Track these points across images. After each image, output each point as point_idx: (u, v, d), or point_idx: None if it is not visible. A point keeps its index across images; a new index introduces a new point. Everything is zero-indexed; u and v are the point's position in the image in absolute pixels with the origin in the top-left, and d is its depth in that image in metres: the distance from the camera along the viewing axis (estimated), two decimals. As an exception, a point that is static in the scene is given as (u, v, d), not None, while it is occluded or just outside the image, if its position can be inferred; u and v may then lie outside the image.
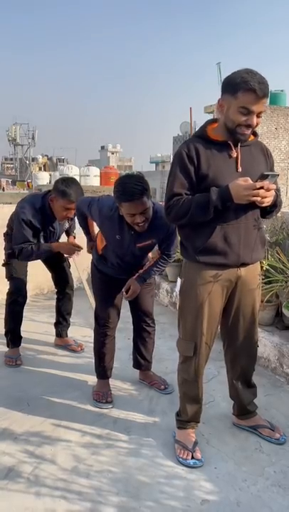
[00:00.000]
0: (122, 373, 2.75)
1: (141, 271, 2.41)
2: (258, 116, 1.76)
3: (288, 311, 2.84)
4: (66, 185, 2.67)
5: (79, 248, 3.04)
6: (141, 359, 2.61)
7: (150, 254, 2.55)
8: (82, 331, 3.53)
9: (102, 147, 52.99)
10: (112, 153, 50.73)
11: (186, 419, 2.05)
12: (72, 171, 21.51)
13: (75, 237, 3.31)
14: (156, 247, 2.40)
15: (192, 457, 1.95)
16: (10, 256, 2.95)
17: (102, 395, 2.45)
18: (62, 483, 1.84)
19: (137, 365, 2.64)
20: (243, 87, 1.68)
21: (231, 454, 2.02)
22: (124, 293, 2.40)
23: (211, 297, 1.87)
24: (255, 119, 1.74)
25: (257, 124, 1.78)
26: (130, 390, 2.62)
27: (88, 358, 2.95)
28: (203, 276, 1.86)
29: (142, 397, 2.54)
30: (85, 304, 3.92)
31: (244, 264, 1.87)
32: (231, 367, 2.11)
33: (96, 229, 2.52)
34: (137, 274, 2.40)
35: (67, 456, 2.02)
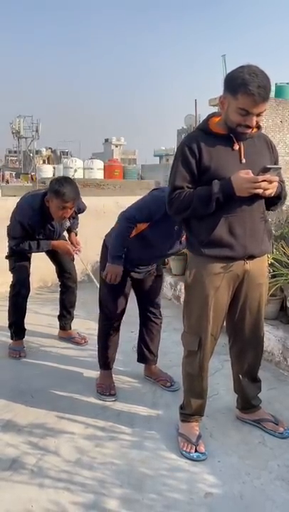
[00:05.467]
0: (125, 366, 2.75)
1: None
2: (259, 115, 1.74)
3: (293, 304, 2.82)
4: (60, 185, 2.65)
5: (77, 247, 3.03)
6: (147, 352, 2.60)
7: None
8: (86, 323, 3.52)
9: (106, 140, 52.80)
10: (116, 146, 50.55)
11: (189, 413, 2.04)
12: (76, 164, 21.43)
13: (76, 234, 3.28)
14: None
15: (195, 450, 1.95)
16: (12, 249, 2.96)
17: (106, 388, 2.45)
18: (66, 474, 1.85)
19: (142, 359, 2.63)
20: (242, 90, 1.66)
21: (235, 447, 2.02)
22: None
23: (218, 291, 1.86)
24: (254, 120, 1.73)
25: (257, 123, 1.77)
26: (133, 383, 2.62)
27: (92, 350, 2.94)
28: (209, 269, 1.85)
29: (145, 390, 2.54)
30: (89, 297, 3.90)
31: (251, 257, 1.85)
32: (237, 362, 2.10)
33: None
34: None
35: (71, 448, 2.02)
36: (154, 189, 2.37)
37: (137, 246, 2.29)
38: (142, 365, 2.68)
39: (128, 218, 2.24)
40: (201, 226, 1.84)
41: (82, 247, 3.23)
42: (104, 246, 2.47)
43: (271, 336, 2.81)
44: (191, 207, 1.78)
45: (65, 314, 3.29)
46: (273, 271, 2.92)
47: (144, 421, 2.23)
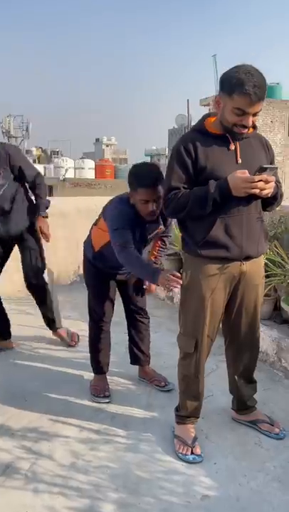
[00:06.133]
0: (119, 368, 2.73)
1: (152, 262, 2.52)
2: (255, 115, 1.73)
3: (287, 305, 2.82)
4: None
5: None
6: (139, 353, 2.58)
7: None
8: (78, 324, 3.49)
9: (97, 139, 52.64)
10: (107, 146, 50.41)
11: (185, 415, 2.03)
12: (67, 164, 21.35)
13: (46, 217, 2.93)
14: None
15: (192, 452, 1.93)
16: None
17: (100, 390, 2.43)
18: (61, 479, 1.82)
19: (135, 360, 2.61)
20: (237, 90, 1.65)
21: (231, 449, 2.01)
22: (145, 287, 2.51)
23: (214, 293, 1.84)
24: (250, 120, 1.72)
25: (253, 122, 1.76)
26: (128, 385, 2.59)
27: (85, 352, 2.90)
28: (205, 270, 1.83)
29: (140, 391, 2.52)
30: (81, 298, 3.87)
31: (248, 258, 1.84)
32: (233, 363, 2.09)
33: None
34: (155, 264, 2.50)
35: (65, 452, 1.99)
36: (109, 203, 2.30)
37: (109, 252, 2.25)
38: (136, 367, 2.66)
39: (121, 247, 2.08)
40: (197, 227, 1.82)
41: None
42: (84, 255, 2.48)
43: (265, 337, 2.80)
44: (187, 207, 1.77)
45: (46, 317, 3.15)
46: (267, 271, 2.91)
47: (139, 423, 2.21)
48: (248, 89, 1.63)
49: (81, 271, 4.29)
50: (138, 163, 2.24)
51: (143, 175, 2.08)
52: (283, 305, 2.86)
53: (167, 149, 23.13)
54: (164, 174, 1.95)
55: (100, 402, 2.37)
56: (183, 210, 1.79)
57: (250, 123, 1.73)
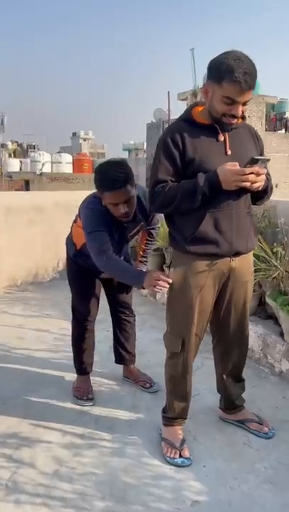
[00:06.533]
0: (102, 368, 2.64)
1: (139, 258, 2.47)
2: (244, 104, 1.66)
3: (272, 300, 2.78)
4: None
5: None
6: (124, 353, 2.50)
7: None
8: (59, 323, 3.38)
9: (74, 134, 51.98)
10: (84, 140, 49.84)
11: (173, 416, 1.96)
12: (44, 158, 21.00)
13: None
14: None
15: (180, 455, 1.87)
16: None
17: (83, 392, 2.33)
18: (44, 488, 1.72)
19: (119, 359, 2.53)
20: (227, 78, 1.56)
21: (219, 450, 1.95)
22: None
23: (203, 290, 1.77)
24: (240, 109, 1.64)
25: (243, 112, 1.68)
26: (112, 386, 2.51)
27: (66, 352, 2.80)
28: (194, 267, 1.76)
29: (124, 392, 2.44)
30: (61, 295, 3.76)
31: (238, 254, 1.78)
32: (221, 361, 2.03)
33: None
34: (138, 260, 2.48)
35: (48, 458, 1.90)
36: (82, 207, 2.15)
37: (87, 255, 2.11)
38: (120, 366, 2.58)
39: (98, 250, 1.94)
40: (185, 222, 1.75)
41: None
42: (66, 253, 2.37)
43: (251, 333, 2.74)
44: (175, 201, 1.69)
45: None
46: (252, 266, 2.87)
47: (125, 426, 2.13)
48: (238, 77, 1.55)
49: (61, 267, 4.17)
50: (103, 163, 2.02)
51: (109, 177, 1.90)
52: (268, 300, 2.82)
53: (145, 144, 22.98)
54: (150, 167, 1.86)
55: (83, 405, 2.28)
56: (170, 204, 1.71)
57: (240, 112, 1.66)
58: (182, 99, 20.82)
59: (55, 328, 3.29)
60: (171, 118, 19.96)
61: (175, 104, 20.06)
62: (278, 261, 2.72)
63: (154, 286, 1.76)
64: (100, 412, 2.24)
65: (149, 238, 2.44)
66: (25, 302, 3.96)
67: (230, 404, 2.09)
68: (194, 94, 19.14)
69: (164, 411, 2.01)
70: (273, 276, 2.78)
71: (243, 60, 1.58)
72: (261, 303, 3.02)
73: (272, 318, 2.87)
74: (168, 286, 1.78)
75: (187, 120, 1.76)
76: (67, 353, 2.72)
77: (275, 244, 2.82)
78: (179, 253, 1.81)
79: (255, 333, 2.75)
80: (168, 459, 1.87)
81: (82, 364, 2.39)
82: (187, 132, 1.71)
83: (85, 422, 2.16)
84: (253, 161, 1.61)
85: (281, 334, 2.68)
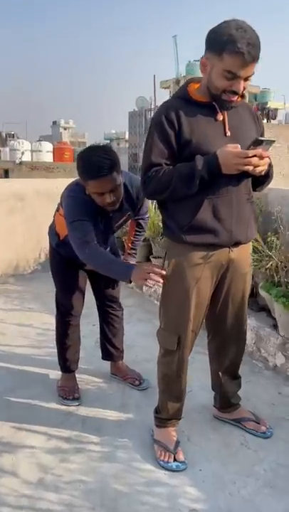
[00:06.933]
0: (88, 364, 2.49)
1: (128, 250, 2.34)
2: (246, 80, 1.51)
3: (265, 291, 2.68)
4: None
5: None
6: (111, 348, 2.36)
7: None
8: (41, 317, 3.21)
9: (54, 122, 51.10)
10: (65, 129, 49.08)
11: (166, 417, 1.83)
12: (23, 146, 20.54)
13: None
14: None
15: (174, 459, 1.75)
16: None
17: (69, 391, 2.19)
18: (27, 500, 1.58)
19: (107, 355, 2.39)
20: (229, 49, 1.41)
21: (216, 451, 1.84)
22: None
23: (200, 283, 1.64)
24: (241, 85, 1.49)
25: (244, 89, 1.53)
26: (99, 383, 2.37)
27: (50, 348, 2.65)
28: (190, 258, 1.62)
29: (112, 390, 2.30)
30: (43, 288, 3.59)
31: (237, 244, 1.65)
32: (216, 358, 1.91)
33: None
34: (127, 252, 2.35)
35: (32, 465, 1.75)
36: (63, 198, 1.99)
37: (71, 245, 1.95)
38: (107, 363, 2.44)
39: (81, 241, 1.80)
40: (181, 209, 1.60)
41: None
42: (49, 243, 2.21)
43: (243, 326, 2.66)
44: (170, 187, 1.54)
45: None
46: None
47: (114, 426, 2.00)
48: (241, 48, 1.41)
49: (43, 258, 3.99)
50: (85, 149, 1.85)
51: (93, 164, 1.74)
52: (261, 292, 2.71)
53: (127, 133, 22.69)
54: (142, 150, 1.70)
55: (68, 405, 2.14)
56: (165, 190, 1.56)
57: (242, 88, 1.51)
58: (165, 88, 20.62)
59: (38, 323, 3.13)
60: (154, 107, 19.77)
61: (158, 92, 19.76)
62: (273, 251, 2.61)
63: (146, 281, 1.61)
64: (87, 413, 2.10)
65: (138, 229, 2.30)
66: (6, 295, 3.78)
67: (226, 402, 1.98)
68: (177, 82, 18.94)
69: (156, 411, 1.88)
70: (266, 266, 2.68)
71: (246, 30, 1.43)
72: (253, 294, 2.91)
73: (265, 310, 2.77)
74: (161, 280, 1.63)
75: (183, 97, 1.61)
76: (51, 349, 2.56)
77: (268, 233, 2.71)
78: (174, 243, 1.67)
79: (248, 325, 2.64)
80: (161, 463, 1.74)
81: (66, 361, 2.24)
82: (183, 110, 1.56)
83: (72, 423, 2.02)
84: (257, 143, 1.48)
85: (275, 327, 2.59)
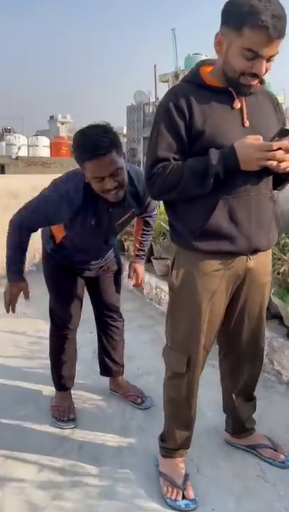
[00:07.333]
0: (85, 378, 2.28)
1: (136, 251, 2.13)
2: (269, 60, 1.28)
3: (278, 298, 2.46)
4: None
5: None
6: (110, 363, 2.13)
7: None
8: (35, 323, 3.00)
9: (52, 117, 50.60)
10: (62, 124, 48.62)
11: (173, 447, 1.62)
12: (20, 141, 20.23)
13: None
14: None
15: (183, 497, 1.53)
16: None
17: (63, 411, 1.97)
18: None
19: (105, 371, 2.16)
20: (250, 22, 1.19)
21: (229, 484, 1.63)
22: (128, 280, 2.14)
23: (214, 297, 1.42)
24: (263, 66, 1.26)
25: (266, 71, 1.30)
26: (97, 401, 2.15)
27: (44, 359, 2.42)
28: (203, 268, 1.40)
29: (111, 409, 2.09)
30: (38, 291, 3.36)
31: (256, 251, 1.43)
32: (230, 378, 1.70)
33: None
34: (135, 253, 2.13)
35: (20, 503, 1.54)
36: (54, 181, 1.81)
37: (73, 244, 1.83)
38: (108, 380, 2.22)
39: (16, 226, 1.72)
40: (192, 211, 1.38)
41: None
42: (43, 248, 1.99)
43: (254, 336, 2.44)
44: (180, 185, 1.32)
45: None
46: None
47: (114, 454, 1.78)
48: (266, 20, 1.18)
49: (37, 259, 3.75)
50: (81, 129, 1.61)
51: (90, 142, 1.51)
52: (274, 298, 2.50)
53: (125, 128, 22.39)
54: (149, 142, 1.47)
55: (63, 428, 1.92)
56: (173, 189, 1.34)
57: (264, 70, 1.28)
58: (164, 81, 20.29)
59: (32, 330, 2.91)
60: (152, 100, 19.46)
61: (157, 86, 19.47)
62: (288, 254, 2.39)
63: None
64: (83, 437, 1.88)
65: (145, 228, 2.06)
66: (-3, 299, 3.55)
67: (240, 427, 1.77)
68: (176, 76, 18.66)
69: (161, 439, 1.66)
70: (280, 271, 2.46)
71: (270, 0, 1.21)
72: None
73: (278, 318, 2.55)
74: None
75: (194, 82, 1.38)
76: (44, 361, 2.34)
77: (282, 235, 2.49)
78: (183, 250, 1.44)
79: (259, 335, 2.43)
80: (168, 501, 1.53)
81: (61, 378, 2.02)
82: (194, 97, 1.34)
83: (67, 450, 1.80)
84: (283, 133, 1.26)
85: (288, 336, 2.38)
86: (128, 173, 1.68)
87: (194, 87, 1.37)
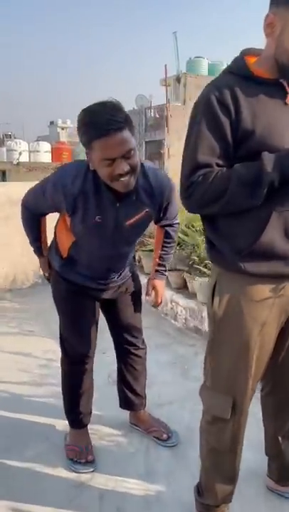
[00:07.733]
0: (101, 409, 2.02)
1: (156, 266, 1.85)
2: None
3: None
4: None
5: None
6: (132, 395, 1.89)
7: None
8: (43, 342, 2.76)
9: (52, 122, 50.61)
10: (62, 129, 48.62)
11: (213, 504, 1.37)
12: (21, 147, 20.14)
13: None
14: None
15: None
16: None
17: (80, 452, 1.73)
18: None
19: (126, 404, 1.92)
20: None
21: None
22: (147, 298, 1.91)
23: (265, 329, 1.18)
24: None
25: None
26: (116, 437, 1.91)
27: (54, 385, 2.19)
28: (251, 294, 1.17)
29: (133, 448, 1.84)
30: (44, 304, 3.13)
31: None
32: (274, 418, 1.46)
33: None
34: (154, 269, 1.86)
35: None
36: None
37: (84, 253, 1.60)
38: (128, 412, 1.97)
39: (23, 208, 1.73)
40: (238, 227, 1.15)
41: None
42: (50, 267, 1.78)
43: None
44: (225, 196, 1.09)
45: None
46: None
47: (140, 507, 1.54)
48: None
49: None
50: (89, 105, 1.35)
51: (99, 119, 1.28)
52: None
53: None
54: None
55: (80, 472, 1.68)
56: (218, 200, 1.11)
57: None
58: (165, 85, 20.12)
59: (39, 351, 2.67)
60: (154, 105, 19.29)
61: (158, 90, 19.37)
62: None
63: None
64: (104, 483, 1.64)
65: (166, 240, 1.80)
66: (2, 314, 3.33)
67: (285, 473, 1.53)
68: (177, 79, 18.50)
69: (198, 491, 1.42)
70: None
71: None
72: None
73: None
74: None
75: (240, 73, 1.16)
76: (55, 388, 2.11)
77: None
78: (226, 273, 1.21)
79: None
80: None
81: (78, 415, 1.77)
82: (241, 91, 1.12)
83: (86, 501, 1.56)
84: None
85: None
86: (144, 165, 1.46)
87: (240, 79, 1.14)
